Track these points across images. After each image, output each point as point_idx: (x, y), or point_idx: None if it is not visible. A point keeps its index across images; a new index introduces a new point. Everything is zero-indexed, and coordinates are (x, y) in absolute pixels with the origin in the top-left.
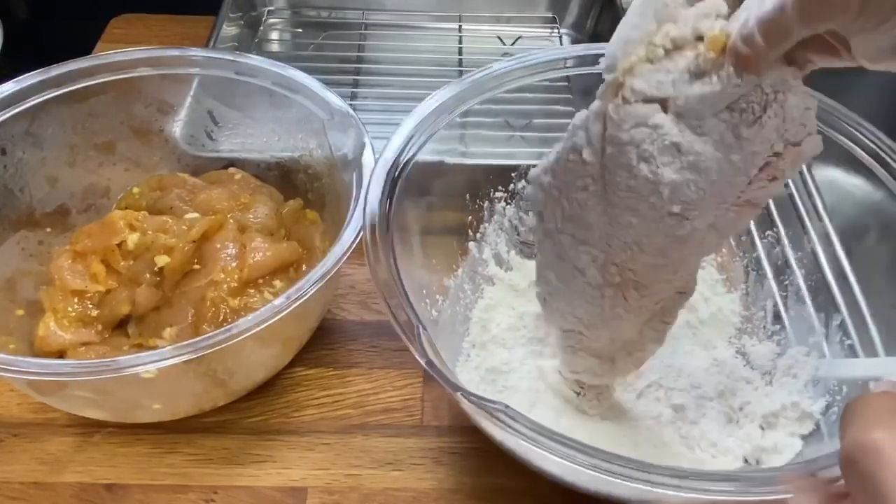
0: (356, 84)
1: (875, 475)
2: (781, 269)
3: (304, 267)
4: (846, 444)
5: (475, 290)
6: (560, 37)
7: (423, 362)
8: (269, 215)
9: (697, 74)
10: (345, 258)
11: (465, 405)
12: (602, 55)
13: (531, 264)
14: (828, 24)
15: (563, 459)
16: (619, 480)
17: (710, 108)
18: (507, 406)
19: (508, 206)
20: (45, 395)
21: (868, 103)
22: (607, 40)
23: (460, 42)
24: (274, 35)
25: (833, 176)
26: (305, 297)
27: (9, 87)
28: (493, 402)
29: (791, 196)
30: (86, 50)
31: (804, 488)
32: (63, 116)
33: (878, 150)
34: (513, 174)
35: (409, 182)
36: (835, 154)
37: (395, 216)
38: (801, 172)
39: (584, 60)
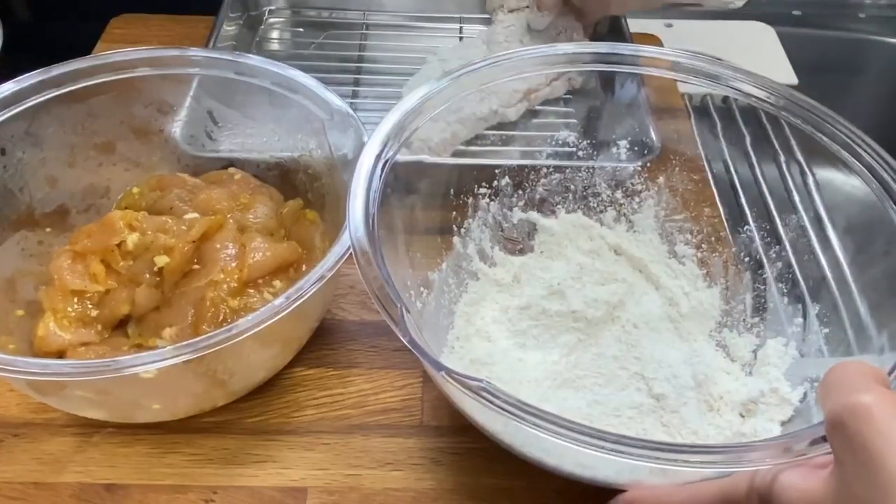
0: (356, 84)
1: (865, 438)
2: (760, 264)
3: (304, 267)
4: (833, 408)
5: (459, 285)
6: None
7: (405, 341)
8: (269, 215)
9: None
10: (345, 258)
11: (448, 388)
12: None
13: (514, 260)
14: None
15: (539, 432)
16: (597, 452)
17: None
18: (487, 382)
19: (492, 203)
20: (45, 395)
21: (864, 110)
22: (607, 40)
23: (461, 32)
24: (274, 35)
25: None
26: (305, 297)
27: (9, 87)
28: (475, 378)
29: (762, 192)
30: (86, 50)
31: (783, 458)
32: (63, 116)
33: (863, 152)
34: (496, 171)
35: (393, 178)
36: (824, 155)
37: (380, 212)
38: (786, 169)
39: (577, 58)
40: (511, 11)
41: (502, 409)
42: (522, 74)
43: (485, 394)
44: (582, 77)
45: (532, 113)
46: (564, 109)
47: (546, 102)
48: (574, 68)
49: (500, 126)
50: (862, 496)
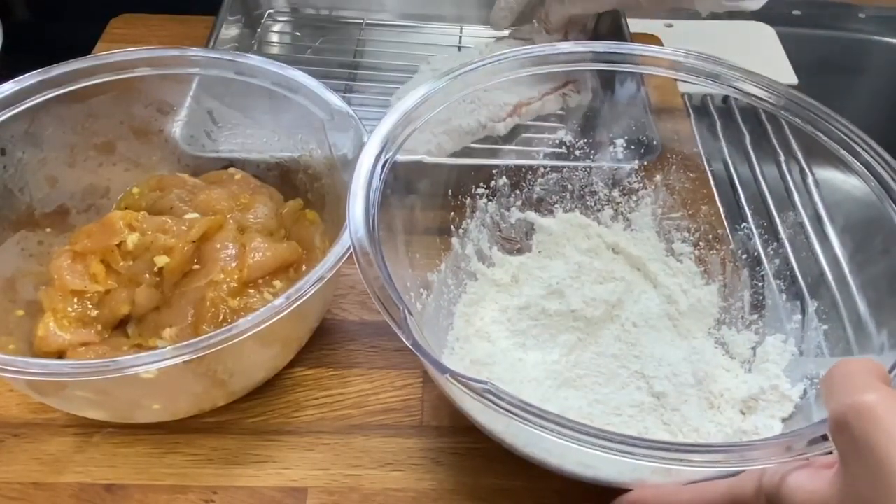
0: (355, 86)
1: (870, 439)
2: (758, 261)
3: (304, 267)
4: (836, 408)
5: (458, 286)
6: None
7: (409, 344)
8: (269, 215)
9: None
10: (345, 258)
11: (450, 389)
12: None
13: (513, 260)
14: None
15: (544, 433)
16: (600, 452)
17: None
18: (492, 384)
19: (490, 203)
20: (45, 396)
21: (864, 110)
22: (607, 39)
23: (460, 42)
24: (274, 35)
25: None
26: (305, 298)
27: (9, 87)
28: (479, 380)
29: (761, 190)
30: (86, 50)
31: (784, 457)
32: (63, 116)
33: (862, 151)
34: (494, 171)
35: (393, 178)
36: (823, 154)
37: (380, 213)
38: (786, 168)
39: (577, 58)
40: (518, 39)
41: (507, 411)
42: (521, 73)
43: (489, 396)
44: (579, 95)
45: (523, 128)
46: (557, 125)
47: (539, 118)
48: (574, 67)
49: (488, 139)
50: (867, 497)
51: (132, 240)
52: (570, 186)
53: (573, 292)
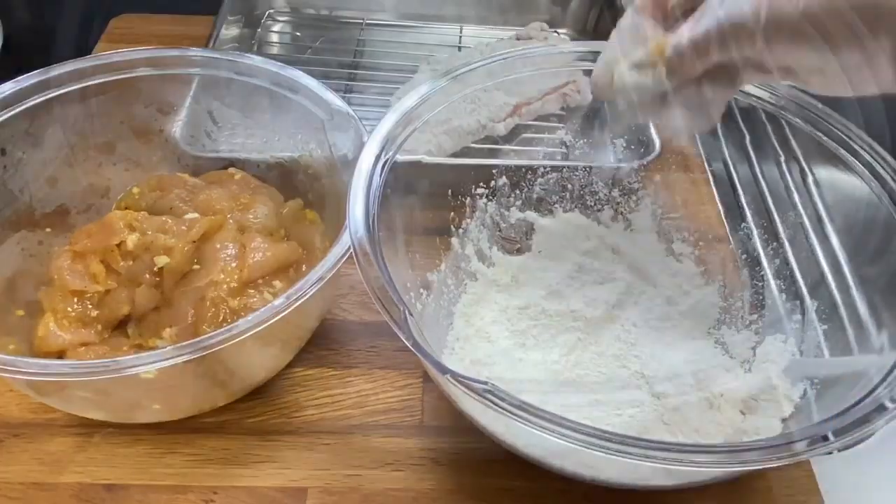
0: (355, 86)
1: None
2: (757, 261)
3: (304, 267)
4: None
5: (458, 286)
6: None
7: (409, 344)
8: (269, 215)
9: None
10: (345, 258)
11: (450, 389)
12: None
13: (513, 260)
14: (742, 53)
15: (544, 433)
16: (600, 452)
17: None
18: (493, 385)
19: (490, 203)
20: (45, 396)
21: (864, 110)
22: (607, 39)
23: (460, 41)
24: (274, 35)
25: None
26: (305, 298)
27: (9, 87)
28: (479, 380)
29: (761, 190)
30: (86, 50)
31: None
32: (63, 116)
33: (862, 151)
34: (493, 171)
35: (393, 178)
36: (823, 154)
37: (380, 213)
38: (785, 168)
39: (578, 57)
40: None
41: (507, 411)
42: (521, 73)
43: (490, 396)
44: (579, 95)
45: (523, 128)
46: (557, 125)
47: (539, 118)
48: (575, 67)
49: (488, 139)
50: None
51: (132, 240)
52: (570, 186)
53: (573, 292)
